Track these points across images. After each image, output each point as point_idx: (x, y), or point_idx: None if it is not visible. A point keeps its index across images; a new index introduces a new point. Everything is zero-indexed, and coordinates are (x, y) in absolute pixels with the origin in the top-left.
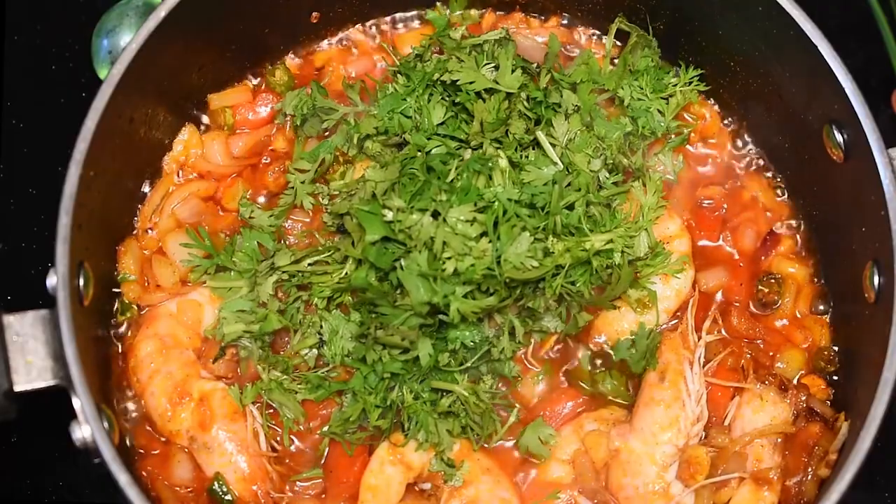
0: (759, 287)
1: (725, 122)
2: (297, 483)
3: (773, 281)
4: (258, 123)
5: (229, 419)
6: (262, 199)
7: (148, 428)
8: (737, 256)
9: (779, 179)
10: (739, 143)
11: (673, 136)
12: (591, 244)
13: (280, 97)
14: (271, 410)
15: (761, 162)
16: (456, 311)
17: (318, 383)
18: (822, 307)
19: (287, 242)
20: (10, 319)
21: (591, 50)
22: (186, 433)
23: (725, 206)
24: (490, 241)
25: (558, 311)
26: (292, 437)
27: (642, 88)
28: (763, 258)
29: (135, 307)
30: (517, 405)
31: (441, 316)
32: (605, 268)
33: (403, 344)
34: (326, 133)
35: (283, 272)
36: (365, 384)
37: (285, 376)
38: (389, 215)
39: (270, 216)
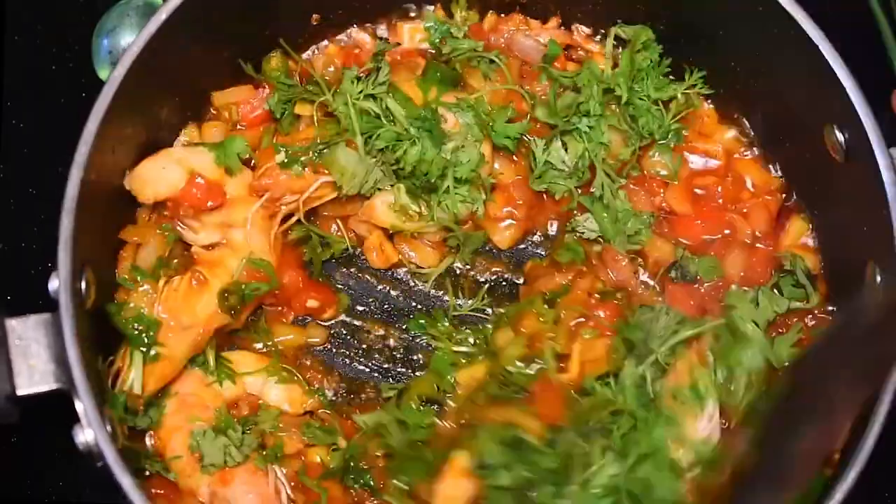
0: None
1: (725, 122)
2: None
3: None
4: (258, 122)
5: (251, 474)
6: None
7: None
8: (759, 235)
9: (779, 179)
10: (739, 144)
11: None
12: None
13: (274, 86)
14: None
15: (761, 162)
16: None
17: None
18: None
19: None
20: (12, 323)
21: (592, 61)
22: (207, 487)
23: (721, 188)
24: None
25: None
26: None
27: (643, 90)
28: (781, 234)
29: None
30: None
31: None
32: None
33: None
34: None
35: None
36: None
37: None
38: None
39: None
